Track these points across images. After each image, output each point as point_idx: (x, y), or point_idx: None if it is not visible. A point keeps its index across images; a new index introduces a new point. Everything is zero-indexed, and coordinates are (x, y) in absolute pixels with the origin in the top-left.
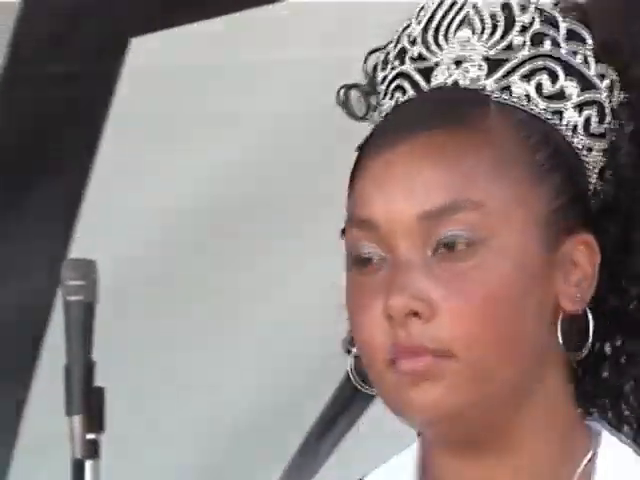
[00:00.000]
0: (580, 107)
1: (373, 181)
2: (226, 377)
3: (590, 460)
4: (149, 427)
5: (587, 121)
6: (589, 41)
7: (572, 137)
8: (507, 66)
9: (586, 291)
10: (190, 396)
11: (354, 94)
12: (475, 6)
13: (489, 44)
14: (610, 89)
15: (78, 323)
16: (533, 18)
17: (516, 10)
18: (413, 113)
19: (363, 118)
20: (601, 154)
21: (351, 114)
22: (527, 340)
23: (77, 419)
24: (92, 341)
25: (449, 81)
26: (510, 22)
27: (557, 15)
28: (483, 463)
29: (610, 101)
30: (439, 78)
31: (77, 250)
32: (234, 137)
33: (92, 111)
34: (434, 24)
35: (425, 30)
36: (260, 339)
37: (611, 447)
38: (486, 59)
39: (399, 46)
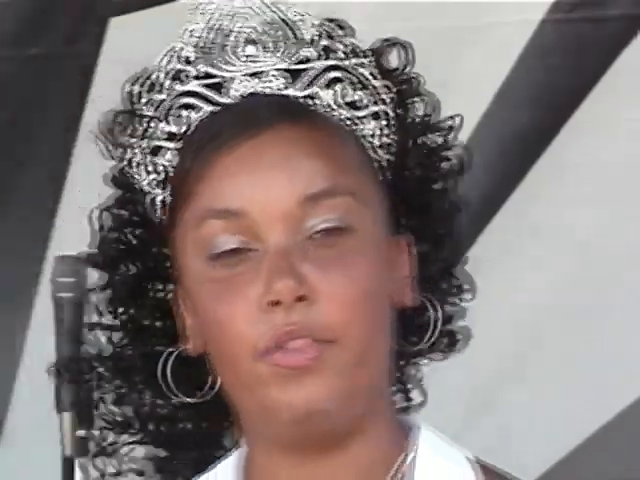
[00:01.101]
0: (374, 117)
1: (238, 170)
2: None
3: (406, 456)
4: None
5: (380, 131)
6: (370, 57)
7: (369, 144)
8: (309, 75)
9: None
10: None
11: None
12: (255, 23)
13: (284, 56)
14: (392, 101)
15: (68, 320)
16: (320, 33)
17: (297, 25)
18: (253, 110)
19: (122, 146)
20: (388, 157)
21: (114, 143)
22: (385, 330)
23: (67, 416)
24: (82, 338)
25: (250, 91)
26: (297, 37)
27: (338, 31)
28: (319, 462)
29: (393, 112)
30: (239, 90)
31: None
32: None
33: (73, 91)
34: (216, 41)
35: (203, 50)
36: None
37: (428, 442)
38: (286, 69)
39: (170, 68)
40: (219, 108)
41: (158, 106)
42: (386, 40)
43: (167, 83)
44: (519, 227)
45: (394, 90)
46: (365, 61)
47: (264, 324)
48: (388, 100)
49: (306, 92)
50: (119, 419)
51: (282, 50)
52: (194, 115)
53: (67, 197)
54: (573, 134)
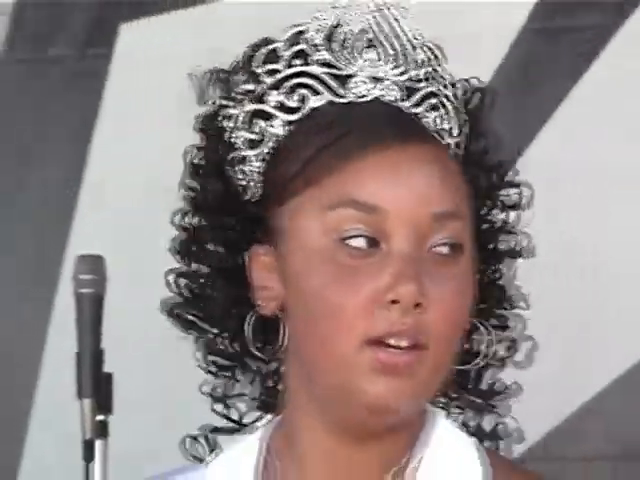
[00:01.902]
0: (456, 145)
1: (385, 172)
2: None
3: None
4: None
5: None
6: (458, 87)
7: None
8: (418, 95)
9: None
10: None
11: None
12: (377, 31)
13: (396, 72)
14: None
15: (88, 314)
16: (428, 55)
17: (411, 42)
18: (386, 119)
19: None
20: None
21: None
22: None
23: (87, 402)
24: (101, 330)
25: (370, 95)
26: (409, 55)
27: (441, 54)
28: (355, 448)
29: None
30: (360, 89)
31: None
32: None
33: (87, 92)
34: (340, 37)
35: (329, 40)
36: None
37: (441, 423)
38: (401, 84)
39: (297, 47)
40: (340, 101)
41: (274, 74)
42: (470, 84)
43: (286, 56)
44: None
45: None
46: (455, 90)
47: (379, 318)
48: (466, 132)
49: (417, 110)
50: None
51: (400, 64)
52: (312, 97)
53: (84, 197)
54: (548, 138)
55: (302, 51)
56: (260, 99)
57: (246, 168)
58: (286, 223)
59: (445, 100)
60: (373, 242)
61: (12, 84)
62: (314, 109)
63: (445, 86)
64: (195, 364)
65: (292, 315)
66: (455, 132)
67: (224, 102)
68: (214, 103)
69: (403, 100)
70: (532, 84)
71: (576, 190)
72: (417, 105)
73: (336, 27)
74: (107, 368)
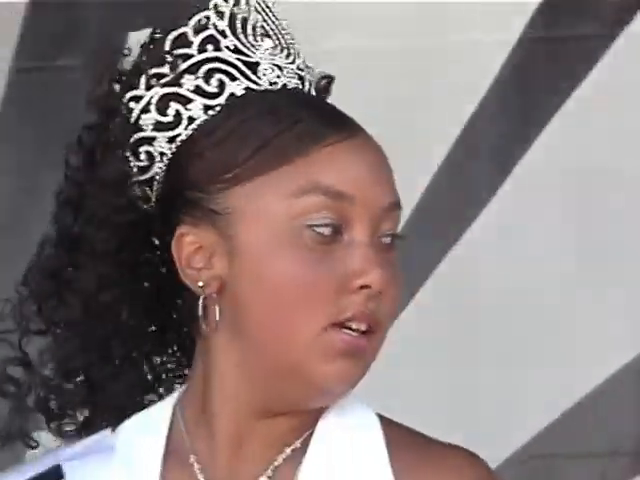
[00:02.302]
0: None
1: (356, 161)
2: None
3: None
4: None
5: None
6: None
7: None
8: (308, 83)
9: None
10: None
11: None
12: (263, 19)
13: (292, 61)
14: None
15: None
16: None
17: (285, 30)
18: (326, 107)
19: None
20: None
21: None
22: None
23: None
24: None
25: (279, 83)
26: (290, 42)
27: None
28: (270, 423)
29: None
30: (269, 77)
31: None
32: None
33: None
34: (239, 24)
35: (231, 27)
36: None
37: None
38: (297, 74)
39: (206, 32)
40: (257, 88)
41: (187, 59)
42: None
43: (197, 41)
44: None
45: None
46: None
47: (346, 302)
48: None
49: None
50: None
51: (291, 52)
52: (229, 83)
53: None
54: (543, 145)
55: (212, 36)
56: (175, 83)
57: (152, 149)
58: (239, 206)
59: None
60: (338, 229)
61: (24, 92)
62: (232, 94)
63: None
64: None
65: (236, 296)
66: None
67: (130, 82)
68: (113, 82)
69: (302, 88)
70: (530, 91)
71: (576, 195)
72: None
73: (232, 15)
74: None
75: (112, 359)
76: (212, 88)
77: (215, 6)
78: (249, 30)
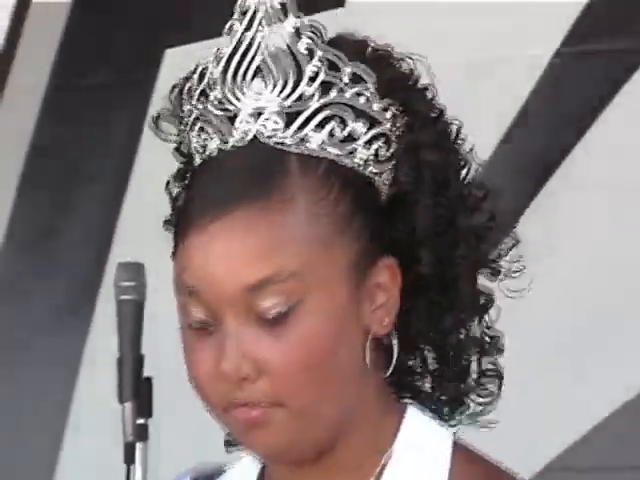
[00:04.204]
0: (369, 142)
1: (198, 252)
2: None
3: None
4: None
5: (376, 152)
6: (370, 81)
7: (364, 169)
8: (301, 118)
9: (392, 313)
10: None
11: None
12: (266, 55)
13: (282, 96)
14: (393, 118)
15: (129, 320)
16: (319, 68)
17: (302, 58)
18: (223, 185)
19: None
20: (389, 172)
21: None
22: (345, 376)
23: (128, 405)
24: (141, 336)
25: (249, 134)
26: (299, 73)
27: (341, 60)
28: (307, 468)
29: (394, 128)
30: (240, 129)
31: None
32: None
33: (131, 118)
34: (232, 69)
35: (224, 75)
36: None
37: (414, 419)
38: (281, 111)
39: (202, 84)
40: (224, 148)
41: (190, 115)
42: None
43: (195, 95)
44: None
45: (396, 106)
46: (363, 88)
47: (223, 391)
48: (389, 116)
49: (298, 136)
50: None
51: (281, 88)
52: (209, 142)
53: (125, 212)
54: (581, 156)
55: (203, 91)
56: (183, 139)
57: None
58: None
59: (340, 107)
60: (208, 323)
61: (58, 110)
62: (209, 156)
63: (342, 91)
64: None
65: None
66: (360, 131)
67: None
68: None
69: (287, 127)
70: (564, 107)
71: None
72: (300, 129)
73: (232, 55)
74: (147, 372)
75: None
76: (199, 148)
77: (219, 48)
78: (241, 70)
